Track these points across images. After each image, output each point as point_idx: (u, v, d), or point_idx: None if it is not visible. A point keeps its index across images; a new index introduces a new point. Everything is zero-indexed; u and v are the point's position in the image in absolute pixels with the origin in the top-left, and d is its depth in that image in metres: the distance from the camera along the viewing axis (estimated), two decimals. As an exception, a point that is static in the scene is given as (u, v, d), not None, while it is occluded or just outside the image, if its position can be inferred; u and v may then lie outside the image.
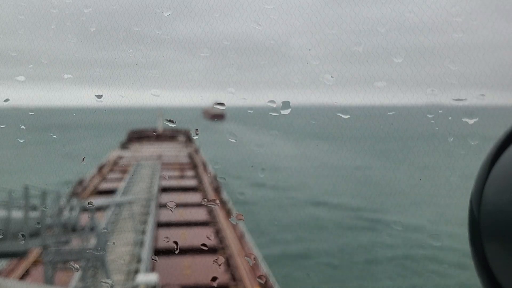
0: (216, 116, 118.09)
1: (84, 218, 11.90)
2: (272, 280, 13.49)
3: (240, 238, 17.41)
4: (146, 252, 13.97)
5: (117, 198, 19.99)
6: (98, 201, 18.65)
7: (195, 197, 23.68)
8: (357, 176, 40.96)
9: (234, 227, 18.13)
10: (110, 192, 23.39)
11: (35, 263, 14.24)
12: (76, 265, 11.34)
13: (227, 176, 39.08)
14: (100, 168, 32.75)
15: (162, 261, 14.81)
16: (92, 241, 11.82)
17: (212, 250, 16.18)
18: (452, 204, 26.56)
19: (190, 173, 31.64)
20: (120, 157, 38.73)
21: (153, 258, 14.29)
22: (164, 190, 24.29)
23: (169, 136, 54.92)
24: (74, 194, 22.78)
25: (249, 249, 16.29)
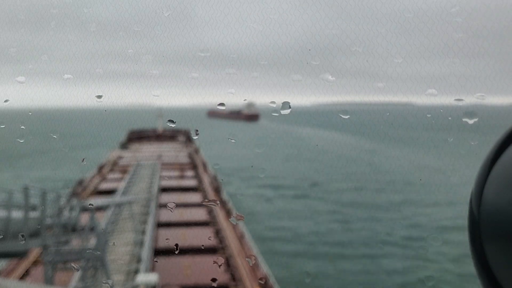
0: (250, 116, 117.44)
1: (84, 218, 11.89)
2: (272, 281, 13.48)
3: (240, 238, 17.39)
4: (146, 252, 13.96)
5: (117, 198, 19.96)
6: (98, 201, 18.63)
7: (195, 197, 23.69)
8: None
9: (234, 227, 18.11)
10: (110, 192, 23.38)
11: (35, 263, 14.24)
12: (76, 265, 11.33)
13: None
14: (100, 168, 32.75)
15: (162, 261, 14.80)
16: (92, 241, 11.81)
17: (212, 250, 16.17)
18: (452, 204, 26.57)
19: (190, 173, 31.64)
20: (120, 157, 38.71)
21: (155, 260, 14.28)
22: (164, 190, 24.28)
23: (169, 136, 54.93)
24: (74, 194, 22.77)
25: (249, 250, 16.28)
